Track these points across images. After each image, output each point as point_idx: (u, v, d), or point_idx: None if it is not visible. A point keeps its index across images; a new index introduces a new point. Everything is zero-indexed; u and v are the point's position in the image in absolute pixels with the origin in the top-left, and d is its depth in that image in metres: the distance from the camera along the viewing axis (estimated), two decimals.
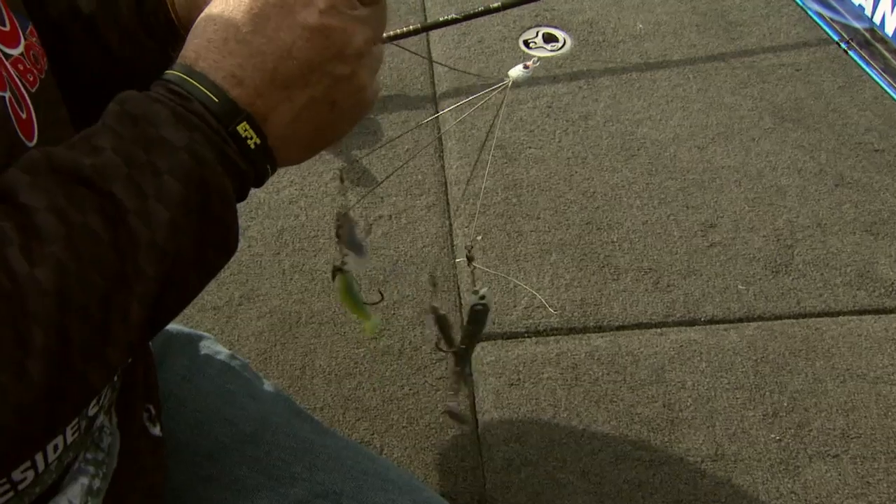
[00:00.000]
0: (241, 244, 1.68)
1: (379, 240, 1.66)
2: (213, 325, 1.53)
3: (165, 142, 0.49)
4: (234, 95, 0.51)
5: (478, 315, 0.79)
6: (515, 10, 2.15)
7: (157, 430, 0.78)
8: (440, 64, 2.00)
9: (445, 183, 1.78)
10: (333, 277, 0.87)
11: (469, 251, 0.82)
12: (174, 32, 0.68)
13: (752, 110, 1.91)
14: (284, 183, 1.78)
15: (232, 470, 0.82)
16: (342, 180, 0.85)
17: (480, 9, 1.97)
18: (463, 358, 0.84)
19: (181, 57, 0.53)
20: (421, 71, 2.04)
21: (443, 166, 1.81)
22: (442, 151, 1.85)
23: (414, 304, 1.55)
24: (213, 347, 0.95)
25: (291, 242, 1.67)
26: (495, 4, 1.97)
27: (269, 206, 1.73)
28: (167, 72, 0.52)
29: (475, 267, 0.80)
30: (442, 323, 0.81)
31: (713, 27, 2.14)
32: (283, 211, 1.73)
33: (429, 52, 2.09)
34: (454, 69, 1.99)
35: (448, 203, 1.74)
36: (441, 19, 1.97)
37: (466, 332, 0.81)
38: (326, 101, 0.54)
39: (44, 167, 0.47)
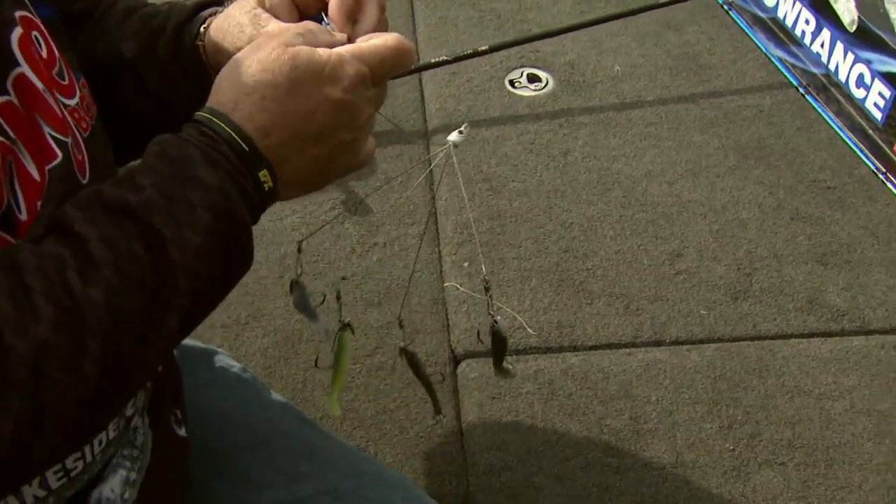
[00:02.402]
0: None
1: (373, 265, 1.81)
2: (222, 342, 1.67)
3: (199, 180, 0.56)
4: (261, 146, 0.59)
5: (497, 335, 0.93)
6: (502, 52, 2.32)
7: (182, 432, 0.86)
8: (382, 116, 2.15)
9: (435, 213, 1.94)
10: (334, 340, 0.92)
11: (486, 282, 0.95)
12: (205, 73, 0.73)
13: (718, 148, 2.08)
14: (287, 212, 1.93)
15: (245, 468, 0.90)
16: (300, 250, 0.95)
17: (469, 51, 2.15)
18: (500, 370, 0.96)
19: (216, 102, 0.60)
20: (413, 108, 2.20)
21: (433, 197, 1.97)
22: (432, 183, 2.01)
23: (406, 324, 1.69)
24: (227, 361, 1.04)
25: (293, 267, 1.81)
26: (483, 47, 2.16)
27: (272, 233, 1.88)
28: (201, 114, 0.60)
29: (490, 296, 0.92)
30: (412, 360, 0.93)
31: (685, 70, 2.31)
32: (286, 237, 1.88)
33: (420, 91, 2.26)
34: (392, 122, 2.10)
35: (437, 232, 1.89)
36: (433, 61, 2.16)
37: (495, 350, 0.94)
38: (328, 158, 0.63)
39: (95, 203, 0.54)
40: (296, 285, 0.94)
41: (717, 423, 1.52)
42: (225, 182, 0.58)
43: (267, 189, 0.61)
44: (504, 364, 0.96)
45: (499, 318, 0.93)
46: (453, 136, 0.88)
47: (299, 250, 0.96)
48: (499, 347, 0.94)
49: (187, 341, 1.02)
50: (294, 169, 0.62)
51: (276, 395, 1.04)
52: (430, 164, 1.04)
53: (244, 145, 0.59)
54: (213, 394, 0.98)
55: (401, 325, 1.00)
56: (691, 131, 2.13)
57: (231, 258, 0.59)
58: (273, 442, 0.94)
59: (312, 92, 0.60)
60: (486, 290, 0.91)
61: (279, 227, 1.90)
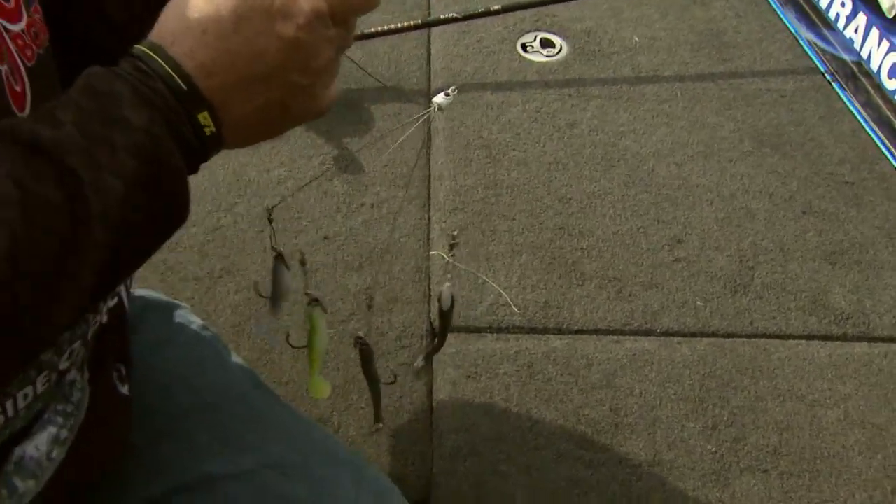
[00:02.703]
0: (228, 219, 1.75)
1: (359, 227, 1.73)
2: (192, 294, 1.60)
3: (124, 119, 0.51)
4: (201, 86, 0.54)
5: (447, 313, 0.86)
6: (517, 14, 2.21)
7: (125, 390, 0.81)
8: (358, 65, 2.05)
9: (430, 177, 1.85)
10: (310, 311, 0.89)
11: (453, 238, 0.89)
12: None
13: (733, 132, 1.97)
14: (275, 164, 1.84)
15: (190, 433, 0.85)
16: (270, 220, 0.88)
17: (481, 10, 2.04)
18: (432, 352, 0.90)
19: (156, 35, 0.55)
20: (418, 66, 2.10)
21: (428, 160, 1.88)
22: (429, 146, 1.91)
23: (385, 292, 1.62)
24: (187, 317, 0.99)
25: (276, 221, 1.73)
26: (496, 7, 2.04)
27: (258, 185, 1.80)
28: (138, 47, 0.55)
29: (452, 256, 0.86)
30: (364, 355, 0.86)
31: (707, 47, 2.19)
32: (271, 191, 1.79)
33: (427, 48, 2.15)
34: (368, 73, 2.01)
35: (429, 197, 1.80)
36: (442, 17, 2.05)
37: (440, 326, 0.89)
38: (280, 104, 0.58)
39: (6, 135, 0.49)
40: (278, 260, 0.89)
41: (700, 422, 1.44)
42: (154, 123, 0.52)
43: (209, 134, 0.55)
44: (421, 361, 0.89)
45: (448, 288, 0.86)
46: (439, 98, 0.83)
47: (270, 220, 0.91)
48: (442, 327, 0.88)
49: (147, 292, 0.98)
50: (241, 114, 0.57)
51: (235, 357, 0.98)
52: (413, 125, 0.97)
53: (182, 84, 0.53)
54: (167, 351, 0.93)
55: (369, 306, 0.92)
56: (707, 112, 2.02)
57: (159, 210, 0.54)
58: (223, 407, 0.89)
59: (261, 28, 0.55)
60: (451, 246, 0.84)
61: (265, 180, 1.82)
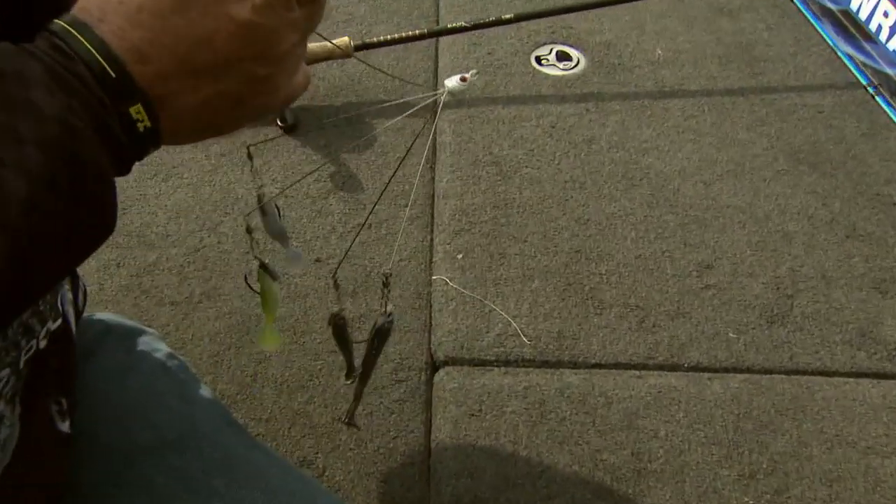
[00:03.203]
0: (211, 239, 1.60)
1: (355, 249, 1.58)
2: (168, 321, 1.45)
3: (33, 106, 0.42)
4: (134, 73, 0.45)
5: (384, 334, 0.72)
6: (532, 25, 2.07)
7: (65, 426, 0.72)
8: (373, 68, 1.91)
9: (433, 195, 1.69)
10: (260, 273, 0.83)
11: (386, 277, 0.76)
12: None
13: (766, 149, 1.81)
14: (265, 180, 1.70)
15: (147, 476, 0.75)
16: (251, 157, 0.79)
17: (492, 19, 1.90)
18: (364, 377, 0.78)
19: (81, 9, 0.46)
20: (424, 78, 1.96)
21: (433, 178, 1.73)
22: (434, 163, 1.76)
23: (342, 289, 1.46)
24: (153, 344, 0.89)
25: (263, 242, 1.57)
26: (508, 16, 1.90)
27: (245, 203, 1.66)
28: (58, 23, 0.45)
29: (387, 291, 0.74)
30: (339, 332, 0.73)
31: (736, 61, 2.03)
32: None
33: (435, 60, 2.01)
34: (385, 73, 1.89)
35: (433, 217, 1.65)
36: (450, 26, 1.91)
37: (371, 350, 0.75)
38: (233, 97, 0.49)
39: None
40: (267, 206, 0.81)
41: (736, 470, 1.26)
42: (72, 113, 0.43)
43: (143, 130, 0.47)
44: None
45: (390, 316, 0.73)
46: (452, 82, 0.74)
47: (249, 157, 0.81)
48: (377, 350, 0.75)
49: (109, 316, 0.88)
50: (184, 108, 0.48)
51: (204, 391, 0.86)
52: (415, 107, 0.91)
53: (109, 69, 0.44)
54: (127, 381, 0.83)
55: (336, 286, 0.80)
56: (737, 128, 1.86)
57: (75, 217, 0.44)
58: (187, 447, 0.79)
59: (210, 9, 0.46)
60: (385, 284, 0.72)
61: (253, 198, 1.66)
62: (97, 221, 0.46)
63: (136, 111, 0.45)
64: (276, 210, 0.83)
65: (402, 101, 1.89)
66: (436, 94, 0.77)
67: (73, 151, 0.43)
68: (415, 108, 0.89)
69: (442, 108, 1.82)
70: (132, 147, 0.47)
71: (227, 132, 0.52)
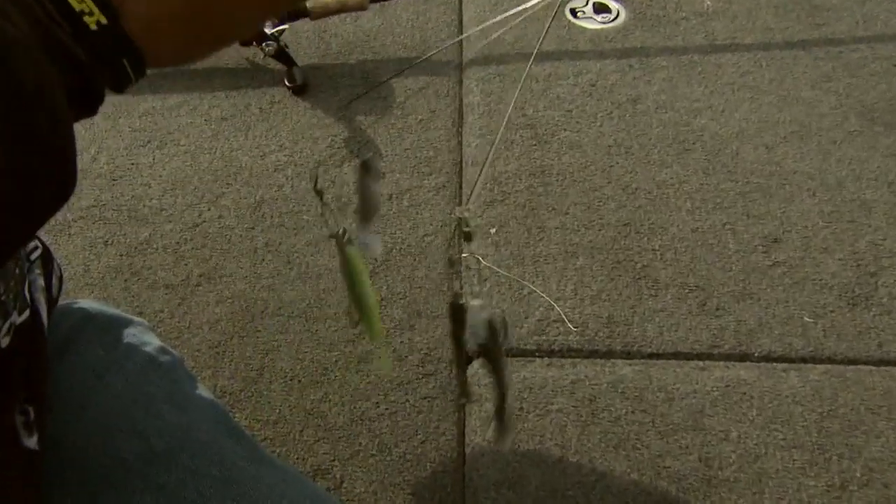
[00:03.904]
0: (211, 213, 1.41)
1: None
2: (162, 307, 1.28)
3: None
4: None
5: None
6: None
7: (32, 441, 0.61)
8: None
9: (461, 162, 1.51)
10: (342, 250, 0.65)
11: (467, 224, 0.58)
12: None
13: (835, 108, 1.61)
14: (272, 147, 1.52)
15: (131, 499, 0.64)
16: (320, 195, 0.64)
17: None
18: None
19: None
20: (448, 34, 1.76)
21: (460, 142, 1.54)
22: (461, 126, 1.57)
23: (405, 305, 1.28)
24: (141, 337, 0.77)
25: (270, 216, 1.41)
26: None
27: (250, 173, 1.48)
28: None
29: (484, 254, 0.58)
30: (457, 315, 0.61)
31: (795, 10, 1.83)
32: (266, 179, 1.47)
33: (459, 14, 1.82)
34: None
35: (461, 186, 1.46)
36: None
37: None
38: None
39: None
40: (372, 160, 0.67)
41: (824, 479, 1.08)
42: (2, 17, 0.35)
43: (95, 28, 0.38)
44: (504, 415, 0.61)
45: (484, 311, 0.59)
46: None
47: (318, 192, 0.67)
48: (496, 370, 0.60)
49: (90, 303, 0.77)
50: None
51: (202, 391, 0.75)
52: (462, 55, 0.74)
53: None
54: (109, 381, 0.71)
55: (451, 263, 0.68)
56: (800, 85, 1.66)
57: (20, 164, 0.35)
58: (177, 461, 0.67)
59: None
60: (468, 237, 0.54)
61: (259, 167, 1.49)
62: (49, 176, 0.38)
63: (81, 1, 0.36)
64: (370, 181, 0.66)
65: (424, 58, 1.71)
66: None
67: (10, 71, 0.34)
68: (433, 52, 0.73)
69: (468, 65, 1.63)
70: (92, 62, 0.38)
71: (223, 29, 0.44)
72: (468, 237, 0.63)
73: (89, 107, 0.41)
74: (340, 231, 0.66)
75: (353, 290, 0.67)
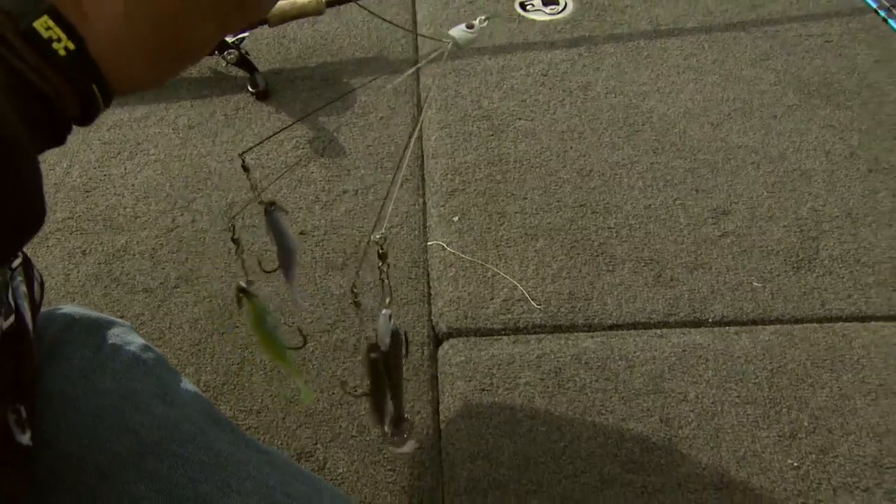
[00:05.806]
0: (185, 218, 1.46)
1: (341, 218, 1.45)
2: (142, 310, 1.32)
3: None
4: None
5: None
6: None
7: (25, 438, 0.63)
8: (374, 15, 1.78)
9: (422, 156, 1.57)
10: (239, 304, 0.74)
11: (381, 247, 0.65)
12: None
13: (774, 84, 1.69)
14: (238, 150, 1.56)
15: (126, 488, 0.67)
16: (246, 168, 0.68)
17: None
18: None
19: None
20: (403, 32, 1.82)
21: (420, 137, 1.60)
22: (420, 121, 1.63)
23: (375, 294, 1.33)
24: (125, 337, 0.79)
25: (241, 218, 1.45)
26: None
27: (219, 177, 1.53)
28: None
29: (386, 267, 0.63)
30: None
31: None
32: (235, 182, 1.52)
33: (413, 12, 1.88)
34: (391, 23, 1.76)
35: (424, 179, 1.52)
36: None
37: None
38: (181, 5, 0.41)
39: None
40: (271, 204, 0.72)
41: (775, 430, 1.15)
42: None
43: (64, 54, 0.38)
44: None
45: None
46: (458, 31, 0.67)
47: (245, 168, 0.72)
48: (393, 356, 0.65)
49: (74, 308, 0.80)
50: (114, 14, 0.39)
51: (186, 385, 0.78)
52: (419, 63, 0.83)
53: None
54: (96, 381, 0.74)
55: (356, 303, 0.70)
56: (741, 64, 1.73)
57: None
58: (168, 451, 0.70)
59: None
60: (382, 256, 0.60)
61: (227, 170, 1.54)
62: (13, 213, 0.37)
63: (44, 25, 0.35)
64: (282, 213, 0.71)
65: (379, 55, 1.75)
66: (442, 49, 0.68)
67: None
68: (422, 63, 0.81)
69: (423, 62, 1.69)
70: (57, 92, 0.38)
71: (190, 48, 0.43)
72: (383, 257, 0.68)
73: (57, 137, 0.41)
74: (244, 284, 0.74)
75: (260, 337, 0.75)
